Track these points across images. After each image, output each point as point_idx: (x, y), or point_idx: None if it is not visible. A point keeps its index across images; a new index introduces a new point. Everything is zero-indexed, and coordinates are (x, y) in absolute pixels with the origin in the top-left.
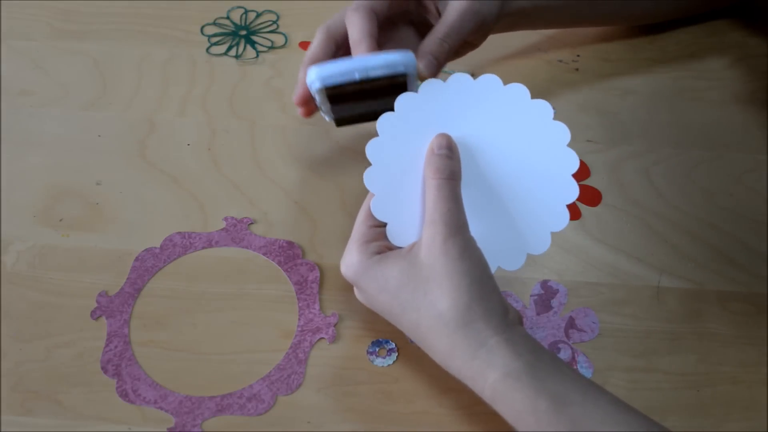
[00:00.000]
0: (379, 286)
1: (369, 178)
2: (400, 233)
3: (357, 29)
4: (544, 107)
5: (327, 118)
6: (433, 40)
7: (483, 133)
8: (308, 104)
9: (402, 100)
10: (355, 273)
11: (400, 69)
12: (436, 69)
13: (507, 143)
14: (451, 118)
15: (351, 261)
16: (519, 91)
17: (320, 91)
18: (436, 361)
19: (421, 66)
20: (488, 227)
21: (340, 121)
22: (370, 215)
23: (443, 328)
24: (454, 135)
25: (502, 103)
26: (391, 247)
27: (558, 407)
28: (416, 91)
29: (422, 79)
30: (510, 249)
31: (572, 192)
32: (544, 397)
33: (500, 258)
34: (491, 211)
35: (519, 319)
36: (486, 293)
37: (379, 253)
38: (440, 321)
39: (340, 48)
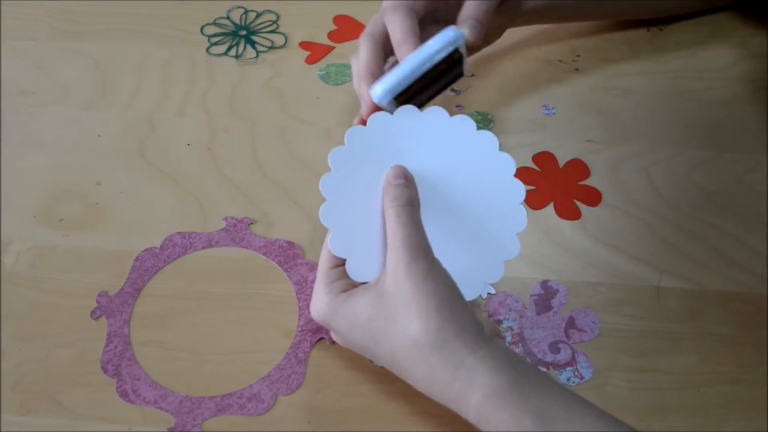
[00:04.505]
0: (350, 323)
1: (325, 214)
2: (360, 269)
3: (399, 29)
4: (489, 138)
5: None
6: (470, 6)
7: (432, 165)
8: None
9: (351, 135)
10: (325, 314)
11: (451, 48)
12: (480, 32)
13: (455, 175)
14: (400, 151)
15: (319, 304)
16: (465, 122)
17: (391, 103)
18: (418, 390)
19: (466, 32)
20: (445, 259)
21: None
22: (329, 257)
23: (418, 354)
24: (407, 167)
25: (449, 134)
26: (356, 285)
27: (543, 425)
28: (466, 58)
29: (471, 45)
30: (466, 278)
31: (521, 221)
32: (529, 415)
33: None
34: (446, 242)
35: (497, 333)
36: (457, 312)
37: (345, 291)
38: (415, 347)
39: (387, 53)
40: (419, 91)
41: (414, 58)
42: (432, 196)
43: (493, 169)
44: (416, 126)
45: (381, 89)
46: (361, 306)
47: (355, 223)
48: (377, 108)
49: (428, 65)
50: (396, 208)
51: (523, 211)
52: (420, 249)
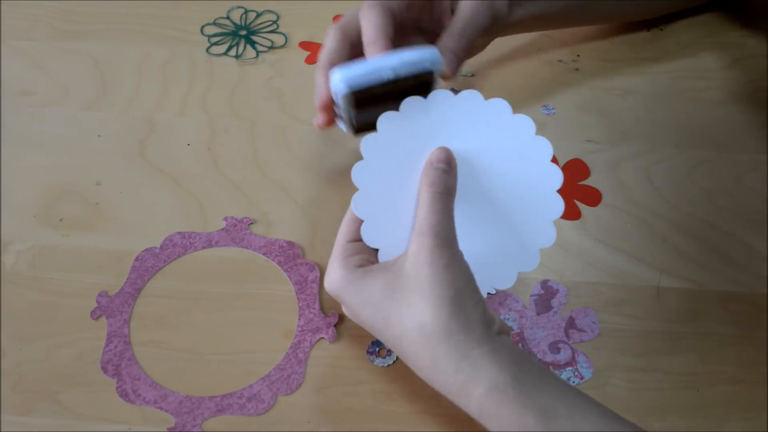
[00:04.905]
0: (362, 300)
1: (357, 203)
2: (390, 253)
3: (372, 27)
4: (525, 122)
5: (343, 128)
6: (450, 37)
7: (467, 148)
8: (330, 110)
9: (384, 120)
10: (338, 288)
11: (427, 66)
12: (457, 65)
13: (491, 159)
14: (435, 135)
15: (334, 276)
16: (500, 105)
17: (346, 96)
18: (421, 378)
19: (443, 64)
20: (479, 246)
21: (360, 128)
22: (350, 230)
23: (425, 341)
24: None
25: (485, 118)
26: (373, 261)
27: (545, 421)
28: (437, 88)
29: (444, 77)
30: (501, 267)
31: (558, 208)
32: (531, 411)
33: (492, 277)
34: (480, 229)
35: (505, 330)
36: (469, 306)
37: (361, 266)
38: (422, 333)
39: (355, 49)
40: (379, 99)
41: (385, 59)
42: (467, 180)
43: (529, 154)
44: (451, 109)
45: (339, 75)
46: (376, 284)
47: (388, 212)
48: (330, 99)
49: (398, 72)
50: (432, 193)
51: (559, 197)
52: (446, 239)
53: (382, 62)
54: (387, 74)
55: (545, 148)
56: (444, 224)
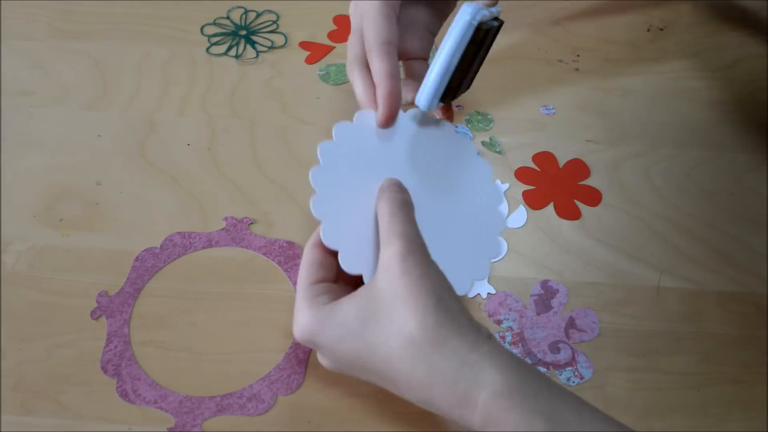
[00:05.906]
0: (340, 334)
1: (315, 205)
2: (353, 259)
3: (383, 71)
4: (484, 168)
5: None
6: None
7: (419, 174)
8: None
9: (339, 129)
10: (312, 330)
11: (473, 22)
12: None
13: (442, 191)
14: (388, 152)
15: (303, 319)
16: (464, 143)
17: (438, 105)
18: (417, 404)
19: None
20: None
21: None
22: (310, 273)
23: (417, 353)
24: (392, 169)
25: (448, 150)
26: (337, 299)
27: (554, 427)
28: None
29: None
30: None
31: (499, 250)
32: (540, 417)
33: None
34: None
35: (491, 334)
36: (456, 309)
37: (330, 302)
38: (413, 346)
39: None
40: (457, 79)
41: (442, 61)
42: (414, 199)
43: (480, 198)
44: (409, 134)
45: (425, 100)
46: (351, 312)
47: (347, 215)
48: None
49: (455, 60)
50: (391, 208)
51: (502, 240)
52: (417, 244)
53: (442, 66)
54: (452, 67)
55: (496, 195)
56: (409, 229)
